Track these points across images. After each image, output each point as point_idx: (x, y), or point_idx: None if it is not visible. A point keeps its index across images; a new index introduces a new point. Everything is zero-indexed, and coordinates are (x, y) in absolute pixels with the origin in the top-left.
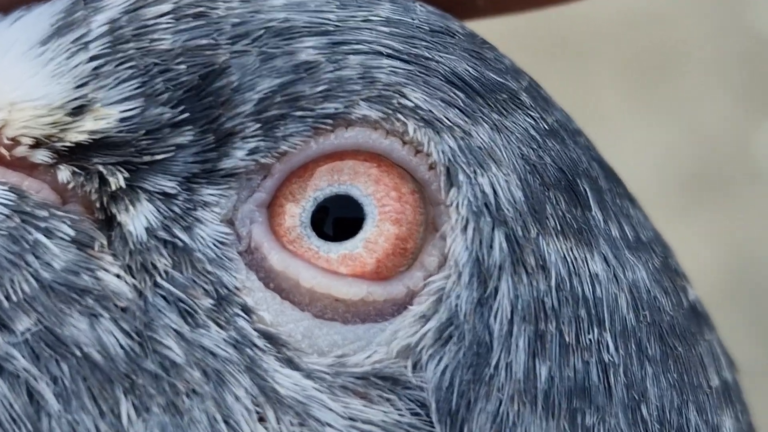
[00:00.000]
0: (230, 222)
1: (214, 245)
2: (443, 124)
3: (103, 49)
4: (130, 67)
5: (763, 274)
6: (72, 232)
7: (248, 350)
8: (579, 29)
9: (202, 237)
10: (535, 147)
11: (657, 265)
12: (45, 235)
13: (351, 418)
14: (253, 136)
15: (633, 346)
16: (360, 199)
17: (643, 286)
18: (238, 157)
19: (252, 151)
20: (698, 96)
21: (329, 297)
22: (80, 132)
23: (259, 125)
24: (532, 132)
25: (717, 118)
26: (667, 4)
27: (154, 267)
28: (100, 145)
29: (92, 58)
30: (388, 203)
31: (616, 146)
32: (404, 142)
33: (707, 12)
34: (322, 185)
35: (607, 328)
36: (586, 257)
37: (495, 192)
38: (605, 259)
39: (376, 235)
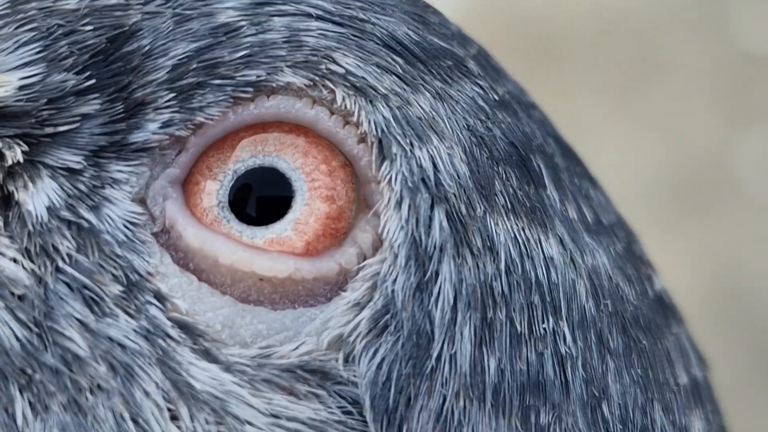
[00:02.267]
0: (142, 201)
1: (125, 226)
2: (377, 92)
3: (2, 10)
4: (32, 29)
5: (745, 286)
6: None
7: (161, 341)
8: (562, 39)
9: (110, 217)
10: (483, 118)
11: (620, 251)
12: None
13: (274, 415)
14: (166, 107)
15: (593, 338)
16: (288, 172)
17: (604, 273)
18: (150, 130)
19: (165, 124)
20: (680, 108)
21: (252, 276)
22: None
23: (173, 95)
24: (480, 102)
25: (699, 130)
26: (651, 16)
27: (56, 250)
28: None
29: None
30: (318, 177)
31: (598, 157)
32: (332, 112)
33: (690, 25)
34: (243, 156)
35: (564, 316)
36: (539, 238)
37: (435, 166)
38: (561, 242)
39: (306, 214)
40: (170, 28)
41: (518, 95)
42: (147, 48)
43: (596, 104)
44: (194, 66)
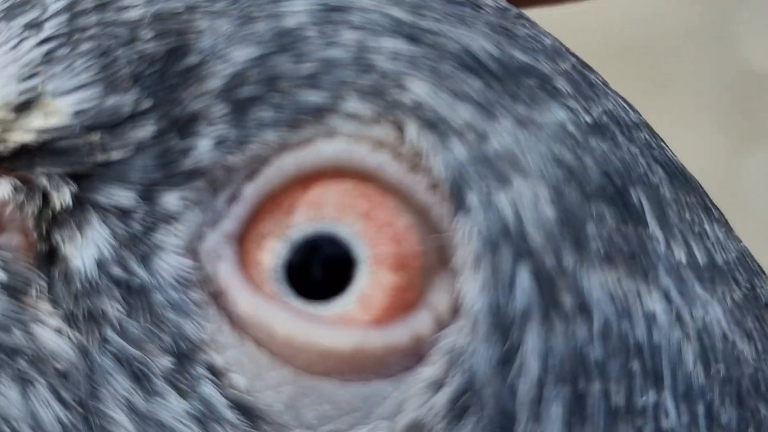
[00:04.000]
0: (195, 253)
1: (177, 282)
2: (451, 126)
3: (59, 28)
4: (91, 48)
5: None
6: (3, 276)
7: (216, 426)
8: None
9: (162, 270)
10: (571, 146)
11: (738, 300)
12: None
13: None
14: (220, 120)
15: (701, 412)
16: (349, 239)
17: (717, 330)
18: (202, 148)
19: (219, 140)
20: (686, 127)
21: (313, 348)
22: (27, 131)
23: (228, 106)
24: (570, 127)
25: (704, 149)
26: (655, 34)
27: (104, 315)
28: (48, 148)
29: (44, 41)
30: (381, 243)
31: None
32: (398, 154)
33: (695, 43)
34: (299, 221)
35: (667, 386)
36: (639, 291)
37: (517, 213)
38: (666, 295)
39: (371, 286)
40: (231, 30)
41: (618, 115)
42: (206, 53)
43: None
44: (255, 77)
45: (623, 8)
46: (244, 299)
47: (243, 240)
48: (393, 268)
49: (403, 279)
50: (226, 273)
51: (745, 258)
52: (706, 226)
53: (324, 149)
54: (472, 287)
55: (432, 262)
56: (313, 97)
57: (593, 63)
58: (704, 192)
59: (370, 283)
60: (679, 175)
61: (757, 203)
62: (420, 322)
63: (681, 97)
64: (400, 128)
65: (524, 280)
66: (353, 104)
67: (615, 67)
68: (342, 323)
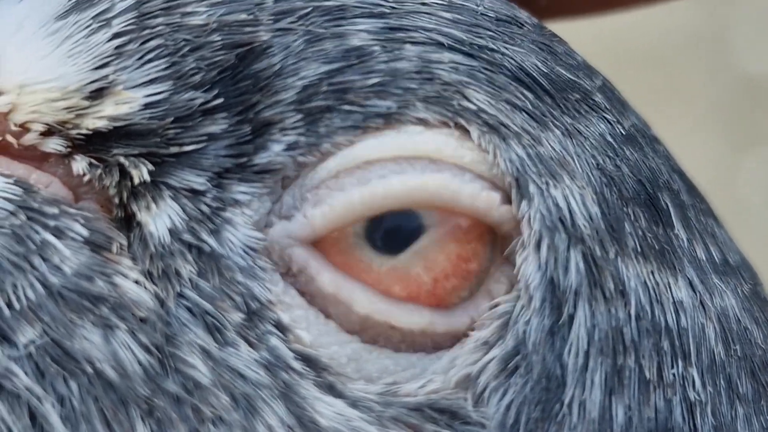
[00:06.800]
0: (264, 230)
1: (245, 251)
2: (509, 130)
3: (128, 25)
4: (158, 46)
5: None
6: (85, 232)
7: (283, 374)
8: None
9: (231, 242)
10: (611, 155)
11: (747, 293)
12: (54, 235)
13: None
14: (293, 128)
15: (722, 383)
16: (419, 211)
17: (732, 316)
18: (275, 151)
19: (291, 146)
20: (683, 133)
21: (385, 324)
22: (99, 118)
23: (300, 116)
24: (609, 138)
25: (702, 155)
26: (653, 42)
27: (178, 274)
28: (121, 133)
29: (115, 36)
30: (449, 217)
31: None
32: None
33: (693, 49)
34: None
35: (693, 362)
36: (669, 282)
37: (569, 206)
38: (691, 285)
39: (436, 251)
40: (301, 48)
41: (643, 129)
42: (277, 66)
43: None
44: (324, 89)
45: (621, 17)
46: (325, 277)
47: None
48: (457, 239)
49: (466, 250)
50: (301, 256)
51: (746, 260)
52: (717, 231)
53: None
54: (532, 264)
55: (494, 245)
56: (382, 104)
57: None
58: (710, 201)
59: (435, 248)
60: (691, 185)
61: (755, 206)
62: (480, 310)
63: (679, 102)
64: (467, 131)
65: (577, 262)
66: (421, 111)
67: (613, 74)
68: (415, 304)
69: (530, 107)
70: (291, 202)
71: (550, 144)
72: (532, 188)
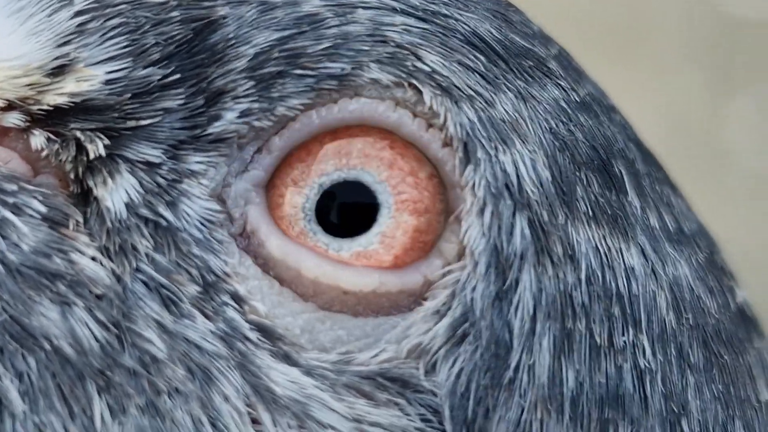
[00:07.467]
0: (221, 199)
1: (201, 224)
2: (462, 93)
3: (90, 3)
4: (120, 24)
5: (734, 252)
6: (43, 209)
7: (239, 344)
8: (546, 9)
9: (187, 214)
10: (565, 120)
11: (701, 261)
12: (12, 212)
13: (356, 420)
14: (245, 96)
15: (673, 352)
16: (372, 186)
17: (685, 285)
18: (228, 119)
19: (244, 113)
20: (666, 75)
21: (336, 289)
22: (60, 94)
23: (252, 83)
24: (562, 104)
25: (685, 97)
26: None
27: (135, 249)
28: (80, 108)
29: (77, 14)
30: (404, 190)
31: None
32: (415, 115)
33: None
34: (328, 169)
35: (644, 329)
36: (621, 248)
37: (518, 171)
38: (643, 252)
39: (393, 228)
40: (254, 17)
41: (599, 97)
42: (230, 36)
43: None
44: (276, 55)
45: None
46: (273, 242)
47: (273, 186)
48: (413, 212)
49: (422, 223)
50: (255, 217)
51: (703, 228)
52: (673, 200)
53: (348, 106)
54: (476, 231)
55: (445, 211)
56: (334, 66)
57: (576, 17)
58: (667, 170)
59: (392, 225)
60: (648, 154)
61: (739, 148)
62: (432, 268)
63: (662, 45)
64: (418, 92)
65: (522, 228)
66: (375, 72)
67: (595, 16)
68: (364, 266)
69: (483, 69)
70: (248, 159)
71: (502, 106)
72: (480, 153)
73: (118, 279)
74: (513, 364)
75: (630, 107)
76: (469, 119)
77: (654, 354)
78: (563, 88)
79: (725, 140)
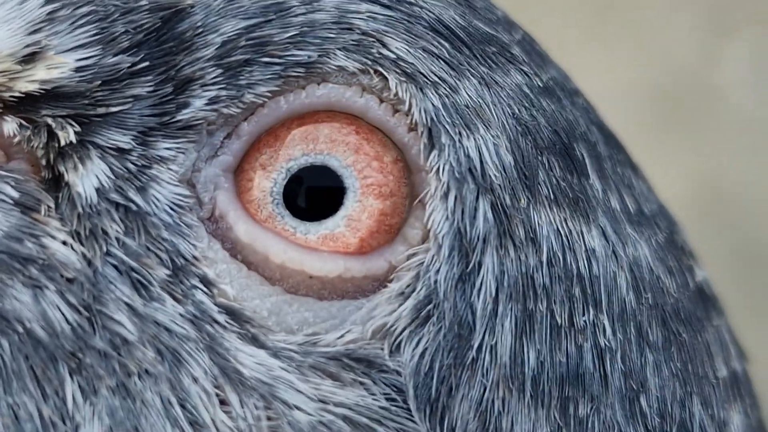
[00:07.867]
0: (190, 184)
1: (171, 209)
2: (427, 79)
3: None
4: (90, 12)
5: (727, 202)
6: (16, 194)
7: (208, 327)
8: None
9: (156, 199)
10: (527, 105)
11: (661, 242)
12: None
13: (322, 401)
14: (213, 84)
15: (632, 331)
16: (339, 170)
17: (645, 265)
18: (196, 106)
19: (212, 100)
20: (661, 19)
21: (302, 274)
22: (31, 81)
23: (220, 71)
24: (525, 89)
25: (680, 40)
26: None
27: (105, 233)
28: (51, 95)
29: (47, 2)
30: (370, 174)
31: (576, 71)
32: (381, 100)
33: None
34: (295, 154)
35: (604, 309)
36: (582, 230)
37: (481, 156)
38: (603, 234)
39: (359, 211)
40: (222, 6)
41: (562, 82)
42: (198, 25)
43: (574, 17)
44: (243, 43)
45: None
46: (241, 227)
47: (242, 171)
48: (379, 196)
49: (388, 207)
50: (224, 202)
51: (663, 209)
52: (633, 181)
53: (315, 92)
54: (439, 215)
55: (410, 195)
56: (301, 54)
57: None
58: (629, 151)
59: (358, 208)
60: (610, 136)
61: (733, 91)
62: (396, 254)
63: None
64: (384, 79)
65: (484, 212)
66: (341, 59)
67: None
68: (330, 251)
69: (447, 56)
70: (217, 144)
71: (466, 92)
72: (444, 138)
73: (89, 263)
74: (476, 345)
75: (625, 51)
76: (433, 105)
77: (614, 333)
78: (526, 74)
79: (720, 82)
